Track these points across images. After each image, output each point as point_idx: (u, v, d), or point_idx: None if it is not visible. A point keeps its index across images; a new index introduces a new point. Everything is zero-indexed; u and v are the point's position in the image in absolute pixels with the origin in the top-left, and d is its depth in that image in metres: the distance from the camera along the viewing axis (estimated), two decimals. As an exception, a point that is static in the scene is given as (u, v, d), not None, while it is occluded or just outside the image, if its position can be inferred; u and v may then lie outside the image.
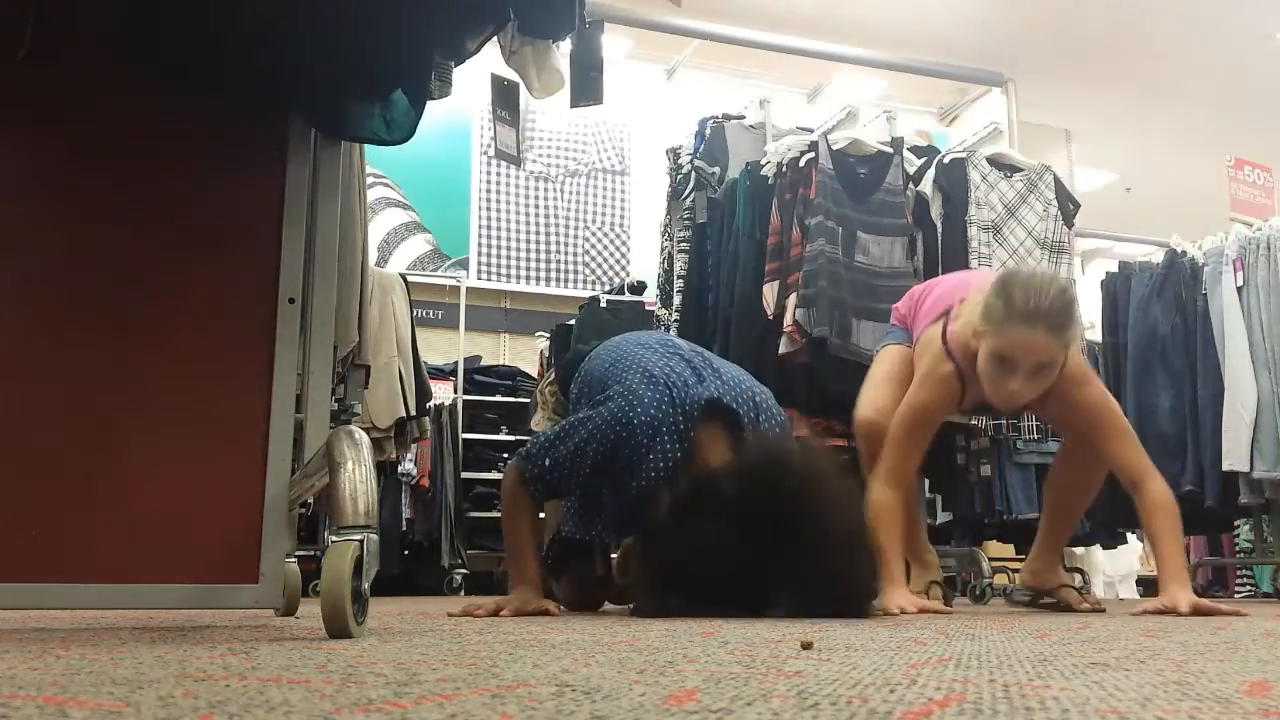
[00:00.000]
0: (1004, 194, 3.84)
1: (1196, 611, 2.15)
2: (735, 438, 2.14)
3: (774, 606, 1.80)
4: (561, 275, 7.90)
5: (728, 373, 2.28)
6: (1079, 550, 5.45)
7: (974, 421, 3.56)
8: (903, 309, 2.88)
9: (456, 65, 1.79)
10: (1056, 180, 3.95)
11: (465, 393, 6.37)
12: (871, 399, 2.69)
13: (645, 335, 2.50)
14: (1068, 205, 3.93)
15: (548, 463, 2.15)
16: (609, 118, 7.94)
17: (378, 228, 7.32)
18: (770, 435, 2.17)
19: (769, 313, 3.63)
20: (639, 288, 5.94)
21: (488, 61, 2.14)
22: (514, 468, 2.26)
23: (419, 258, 7.52)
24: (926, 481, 3.73)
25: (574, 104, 2.24)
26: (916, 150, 4.07)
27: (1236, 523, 5.18)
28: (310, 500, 2.63)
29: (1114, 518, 4.22)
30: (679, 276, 4.13)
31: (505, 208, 7.89)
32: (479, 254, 7.73)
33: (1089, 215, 4.79)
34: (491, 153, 7.72)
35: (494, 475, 5.94)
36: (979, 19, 7.20)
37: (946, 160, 3.89)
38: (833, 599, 1.81)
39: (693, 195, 4.13)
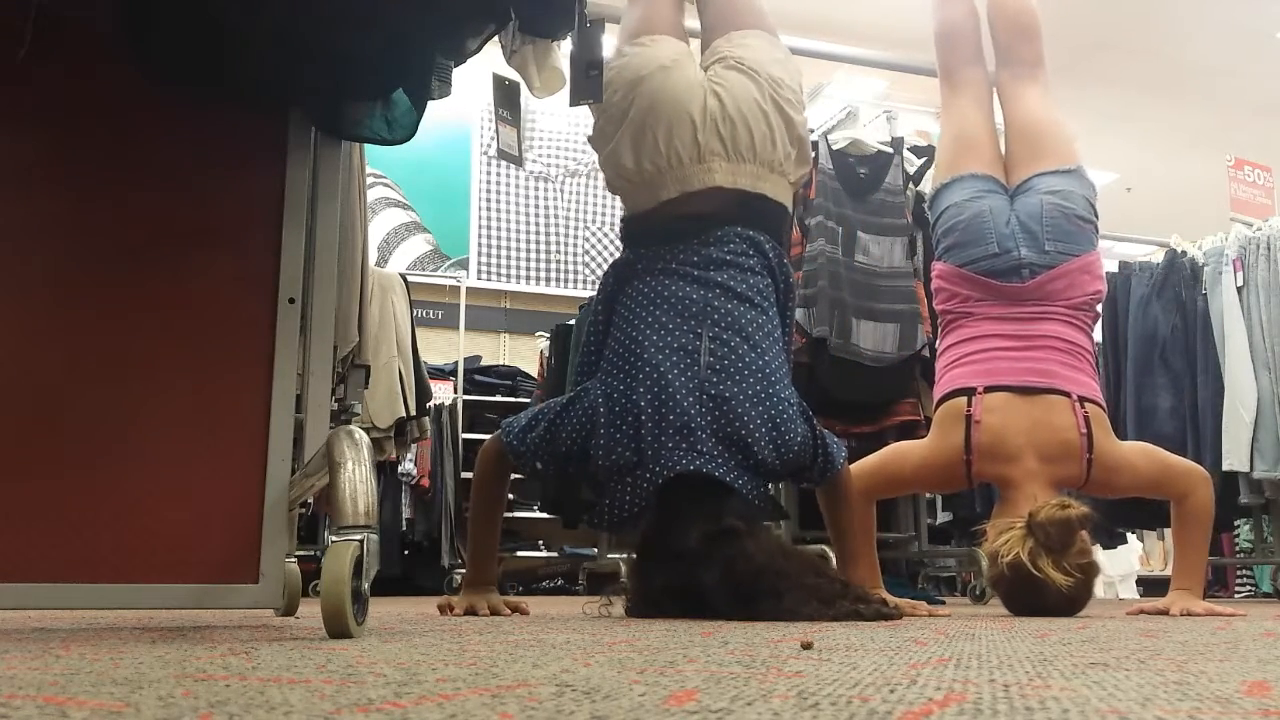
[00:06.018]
0: (1004, 194, 3.84)
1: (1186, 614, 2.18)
2: (708, 502, 1.98)
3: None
4: (561, 275, 7.90)
5: (738, 398, 2.05)
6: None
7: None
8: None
9: (457, 65, 1.78)
10: (1056, 180, 3.95)
11: (465, 393, 6.37)
12: (892, 471, 2.56)
13: (672, 314, 2.14)
14: (1068, 205, 3.93)
15: (529, 437, 2.10)
16: (609, 117, 7.94)
17: (378, 228, 7.32)
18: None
19: (769, 313, 3.63)
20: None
21: (488, 61, 2.14)
22: (495, 440, 2.18)
23: (419, 258, 7.52)
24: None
25: (573, 102, 2.24)
26: (916, 150, 4.08)
27: (1236, 523, 5.18)
28: (310, 500, 2.62)
29: (1114, 518, 4.22)
30: (679, 276, 4.12)
31: (505, 208, 7.89)
32: (479, 254, 7.73)
33: (1089, 215, 4.78)
34: (492, 153, 7.74)
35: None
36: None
37: (947, 160, 3.89)
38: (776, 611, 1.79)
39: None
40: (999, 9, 2.96)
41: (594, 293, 2.39)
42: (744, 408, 2.04)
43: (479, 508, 2.27)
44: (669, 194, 2.22)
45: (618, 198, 2.41)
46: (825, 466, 2.18)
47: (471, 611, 2.10)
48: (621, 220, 2.42)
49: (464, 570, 5.81)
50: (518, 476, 2.30)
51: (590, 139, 2.40)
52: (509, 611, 2.13)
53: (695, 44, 2.51)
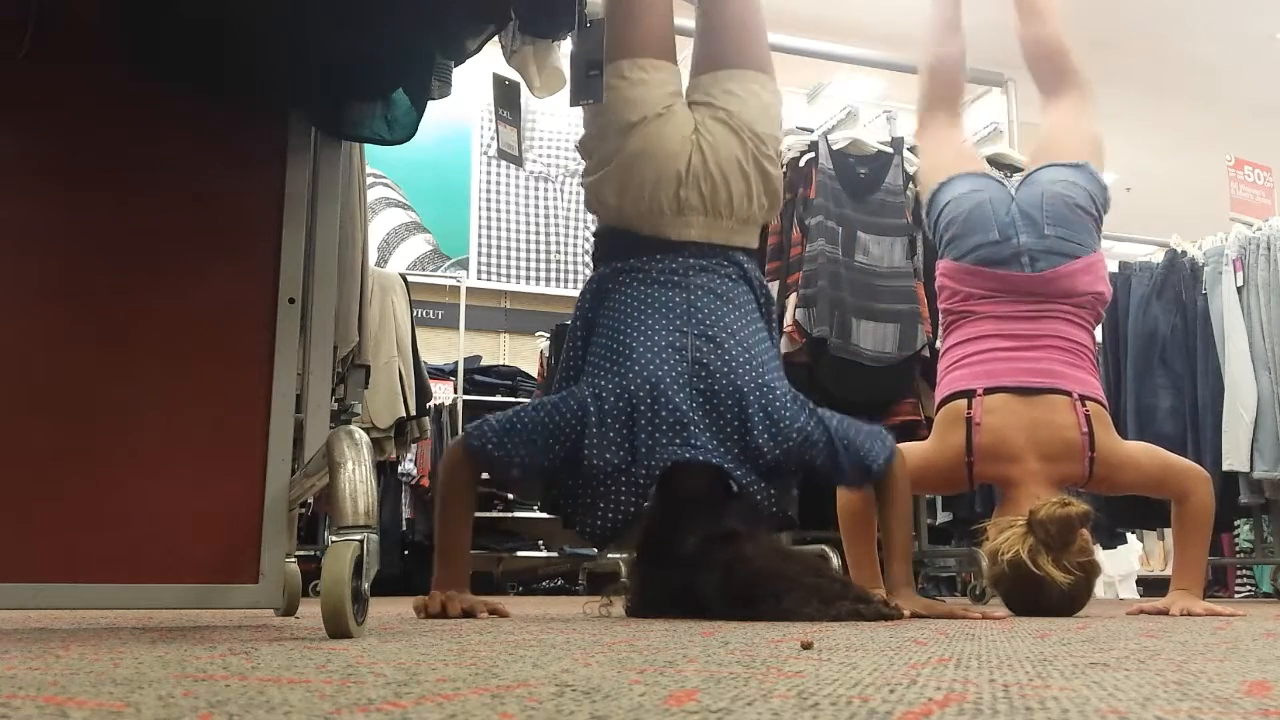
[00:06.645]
0: (1004, 194, 3.84)
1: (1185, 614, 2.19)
2: (707, 503, 2.00)
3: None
4: (561, 275, 7.90)
5: (728, 390, 2.06)
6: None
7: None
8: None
9: (457, 65, 1.79)
10: (1056, 180, 3.95)
11: (465, 393, 6.37)
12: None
13: (657, 317, 2.15)
14: (1068, 205, 3.93)
15: (506, 442, 2.03)
16: (609, 118, 7.94)
17: (378, 228, 7.31)
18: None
19: (769, 312, 3.63)
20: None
21: (488, 62, 2.14)
22: (460, 447, 2.12)
23: (419, 258, 7.52)
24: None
25: (574, 103, 2.24)
26: (917, 150, 4.07)
27: (1236, 523, 5.18)
28: (310, 500, 2.61)
29: (1114, 517, 4.22)
30: (679, 276, 4.12)
31: (505, 208, 7.89)
32: (479, 254, 7.73)
33: (1089, 215, 4.78)
34: (492, 153, 7.74)
35: (494, 475, 5.94)
36: (979, 19, 7.21)
37: (947, 160, 3.89)
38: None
39: (693, 195, 4.13)
40: (1034, 54, 3.02)
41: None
42: (735, 399, 2.05)
43: (451, 516, 2.14)
44: (644, 236, 2.27)
45: None
46: (863, 469, 2.13)
47: (469, 613, 2.07)
48: (595, 234, 2.43)
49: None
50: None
51: (579, 147, 2.42)
52: (486, 612, 2.03)
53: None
